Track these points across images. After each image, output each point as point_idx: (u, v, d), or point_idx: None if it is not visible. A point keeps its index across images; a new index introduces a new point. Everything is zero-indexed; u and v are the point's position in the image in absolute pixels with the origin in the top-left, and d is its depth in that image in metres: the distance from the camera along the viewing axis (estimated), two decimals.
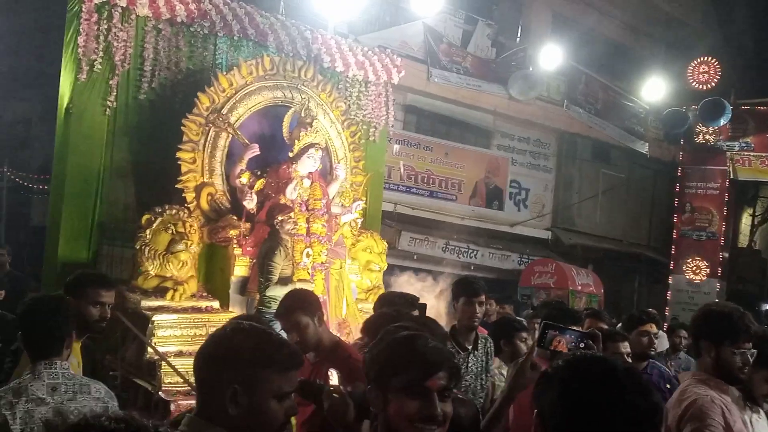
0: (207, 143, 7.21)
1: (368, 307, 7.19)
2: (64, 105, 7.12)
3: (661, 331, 7.83)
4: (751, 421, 3.26)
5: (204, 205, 7.12)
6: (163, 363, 5.98)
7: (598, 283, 15.36)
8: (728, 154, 17.57)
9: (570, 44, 14.81)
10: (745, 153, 17.52)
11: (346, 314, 7.43)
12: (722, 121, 16.48)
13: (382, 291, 7.64)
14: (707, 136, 17.44)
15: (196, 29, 7.59)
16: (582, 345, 2.72)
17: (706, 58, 16.89)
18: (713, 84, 16.76)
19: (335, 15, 9.54)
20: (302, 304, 3.86)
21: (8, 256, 9.72)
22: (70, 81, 7.05)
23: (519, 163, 16.79)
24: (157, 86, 7.43)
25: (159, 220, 6.71)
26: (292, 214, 6.75)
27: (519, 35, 16.08)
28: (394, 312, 3.73)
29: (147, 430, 1.25)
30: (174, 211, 6.80)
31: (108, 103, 7.14)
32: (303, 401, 2.95)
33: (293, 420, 3.14)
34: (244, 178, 7.13)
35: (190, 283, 6.80)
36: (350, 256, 7.95)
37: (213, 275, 7.18)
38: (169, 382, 5.97)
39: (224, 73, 7.48)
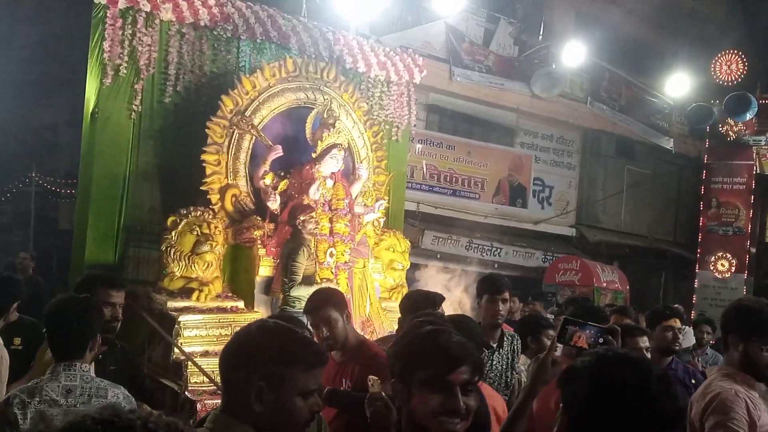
0: (231, 145, 7.27)
1: (392, 306, 7.24)
2: (90, 110, 7.19)
3: (687, 327, 7.76)
4: None
5: (228, 206, 7.18)
6: (190, 363, 6.05)
7: (624, 279, 15.21)
8: (754, 148, 17.34)
9: (593, 41, 14.67)
10: None
11: (370, 313, 7.45)
12: (748, 116, 16.22)
13: (405, 290, 7.66)
14: (733, 131, 17.23)
15: (219, 33, 7.66)
16: (602, 340, 2.72)
17: (730, 52, 16.66)
18: (738, 78, 16.53)
19: (357, 16, 9.54)
20: (333, 299, 3.91)
21: (32, 260, 9.87)
22: (96, 86, 7.13)
23: (542, 161, 16.67)
24: (182, 90, 7.50)
25: (184, 221, 6.78)
26: (313, 214, 6.79)
27: (541, 33, 15.95)
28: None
29: (133, 428, 1.26)
30: (199, 213, 6.87)
31: (133, 107, 7.23)
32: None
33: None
34: (268, 179, 7.19)
35: (215, 284, 6.86)
36: (373, 255, 7.99)
37: (238, 276, 7.24)
38: (196, 382, 6.04)
39: (247, 75, 7.53)
